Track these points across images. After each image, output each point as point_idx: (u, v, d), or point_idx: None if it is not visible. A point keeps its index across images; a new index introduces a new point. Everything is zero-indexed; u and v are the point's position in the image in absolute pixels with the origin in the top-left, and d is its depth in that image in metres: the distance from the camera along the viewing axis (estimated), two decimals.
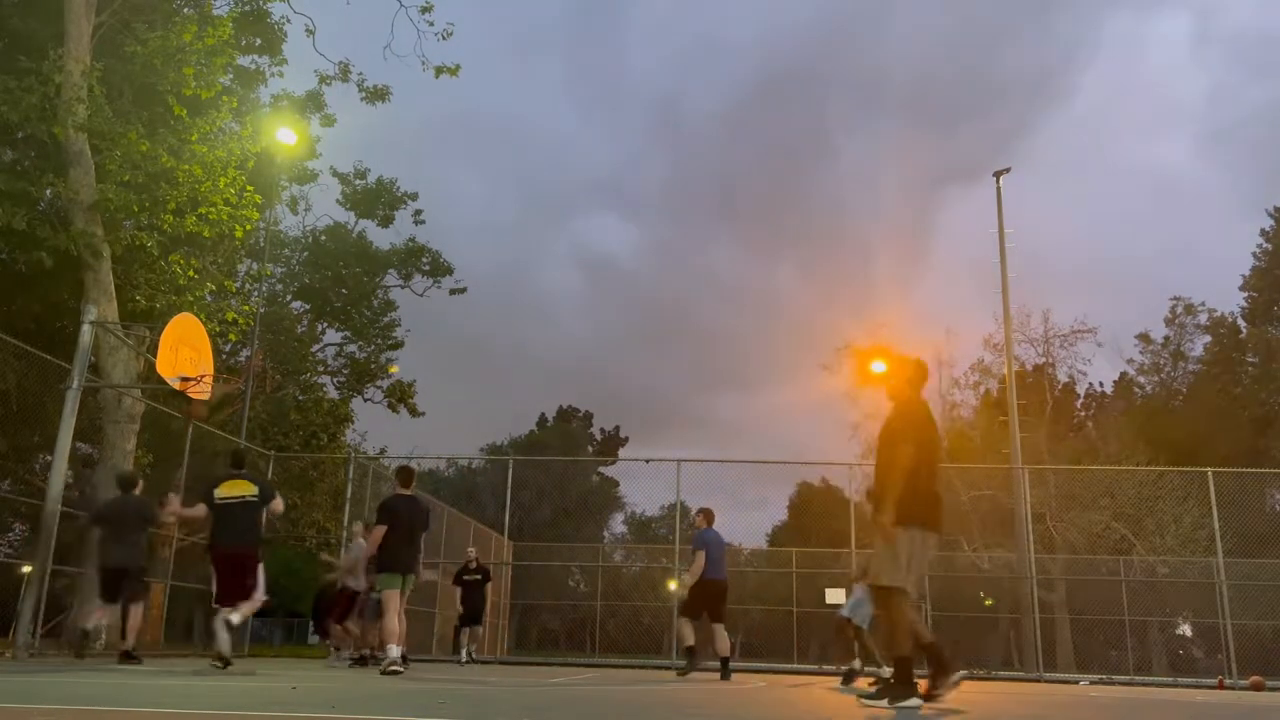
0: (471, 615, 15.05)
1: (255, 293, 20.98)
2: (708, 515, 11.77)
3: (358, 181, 28.48)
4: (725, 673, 10.86)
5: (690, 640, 11.18)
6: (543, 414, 61.01)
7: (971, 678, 13.38)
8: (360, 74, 18.90)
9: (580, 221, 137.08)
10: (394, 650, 8.44)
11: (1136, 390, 40.05)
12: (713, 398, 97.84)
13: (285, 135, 17.72)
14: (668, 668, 15.93)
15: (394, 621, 8.59)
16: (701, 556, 11.10)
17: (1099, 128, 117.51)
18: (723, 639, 11.06)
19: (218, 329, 15.30)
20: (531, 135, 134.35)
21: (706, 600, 11.14)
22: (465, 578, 15.21)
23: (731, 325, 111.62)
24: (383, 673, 8.27)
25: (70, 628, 12.25)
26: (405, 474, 9.43)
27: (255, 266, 22.68)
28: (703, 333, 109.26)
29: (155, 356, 11.10)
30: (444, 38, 18.17)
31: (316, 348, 28.21)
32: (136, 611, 9.87)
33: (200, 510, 8.68)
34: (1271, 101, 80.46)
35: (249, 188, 15.06)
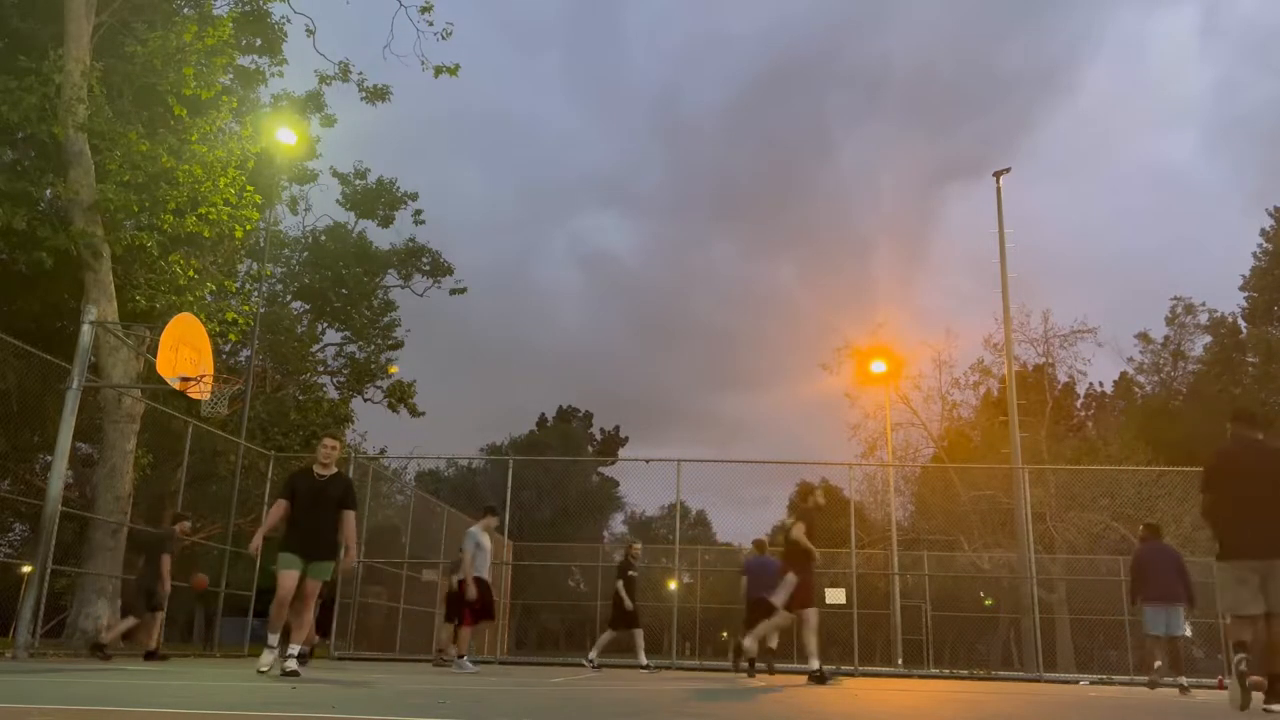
0: (635, 617, 13.44)
1: (255, 293, 20.98)
2: (756, 544, 13.63)
3: (358, 182, 28.46)
4: (770, 668, 12.92)
5: (752, 651, 12.71)
6: (543, 414, 61.07)
7: (971, 678, 13.39)
8: (360, 73, 18.92)
9: (580, 220, 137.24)
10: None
11: (1136, 390, 40.06)
12: (713, 397, 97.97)
13: (285, 135, 17.73)
14: (667, 667, 15.94)
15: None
16: (743, 581, 13.11)
17: (1103, 124, 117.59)
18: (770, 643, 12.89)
19: (218, 329, 15.29)
20: (532, 132, 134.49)
21: (751, 615, 12.71)
22: (631, 573, 13.51)
23: (732, 325, 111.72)
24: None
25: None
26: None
27: (255, 266, 22.68)
28: (703, 332, 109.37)
29: (155, 356, 11.10)
30: (444, 37, 18.19)
31: (316, 348, 28.19)
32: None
33: None
34: (1277, 96, 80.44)
35: (249, 188, 15.06)
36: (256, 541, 7.98)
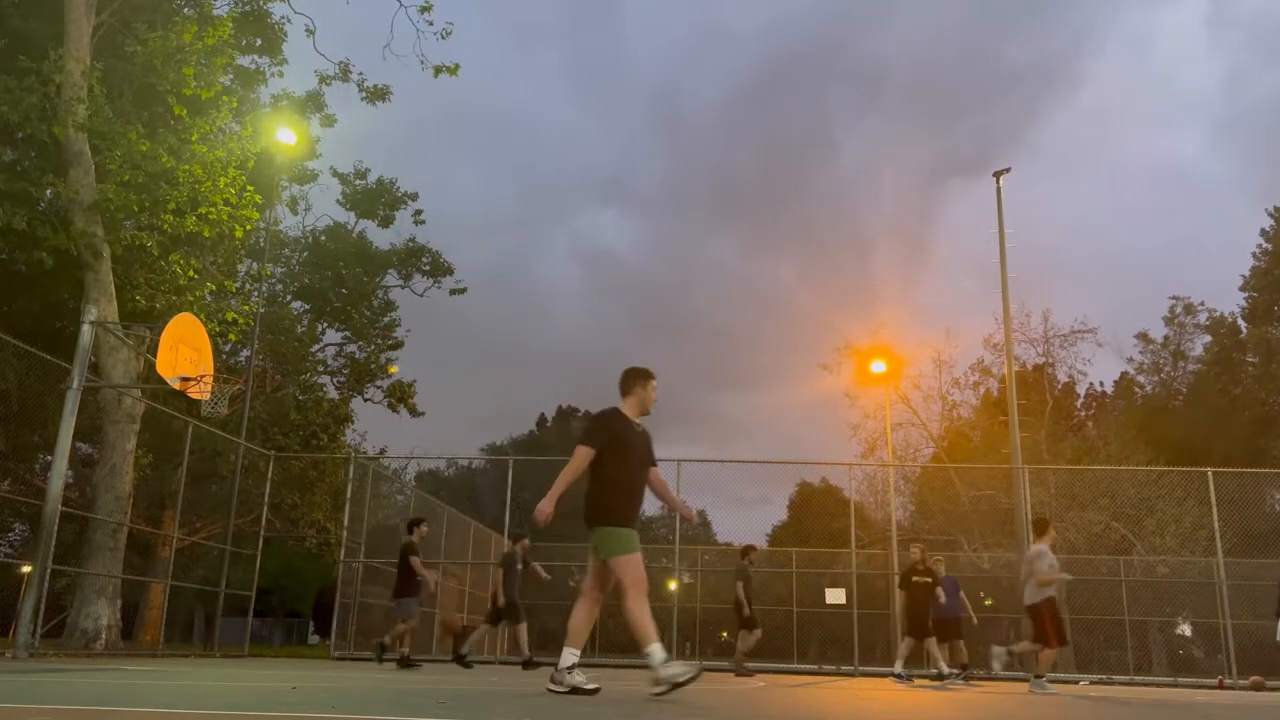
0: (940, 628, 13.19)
1: (255, 293, 20.98)
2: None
3: (358, 182, 28.46)
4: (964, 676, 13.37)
5: (940, 664, 13.31)
6: (542, 414, 61.13)
7: (972, 677, 13.40)
8: (361, 74, 18.92)
9: (581, 219, 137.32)
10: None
11: (1136, 390, 40.08)
12: (713, 397, 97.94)
13: (285, 135, 17.73)
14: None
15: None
16: (939, 594, 13.31)
17: (1107, 121, 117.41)
18: (959, 652, 13.74)
19: (218, 329, 15.29)
20: (531, 129, 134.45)
21: (942, 630, 13.48)
22: (915, 579, 13.06)
23: (732, 324, 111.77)
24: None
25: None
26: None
27: (255, 266, 22.68)
28: (703, 332, 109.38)
29: (155, 356, 11.10)
30: (443, 37, 18.18)
31: (316, 348, 28.20)
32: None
33: None
34: None
35: (249, 188, 15.06)
36: (548, 509, 5.59)
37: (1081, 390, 38.44)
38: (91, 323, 11.17)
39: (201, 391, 11.53)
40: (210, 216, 14.42)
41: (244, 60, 18.59)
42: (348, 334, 28.67)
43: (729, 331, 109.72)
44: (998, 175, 22.18)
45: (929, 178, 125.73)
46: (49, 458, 13.51)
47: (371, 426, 72.43)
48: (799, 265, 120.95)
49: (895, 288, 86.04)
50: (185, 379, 11.23)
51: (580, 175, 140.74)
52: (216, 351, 13.68)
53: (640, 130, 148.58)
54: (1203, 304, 38.77)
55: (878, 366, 26.57)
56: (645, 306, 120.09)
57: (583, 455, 5.67)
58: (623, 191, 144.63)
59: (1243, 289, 37.82)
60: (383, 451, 27.74)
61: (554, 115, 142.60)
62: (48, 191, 14.86)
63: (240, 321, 16.40)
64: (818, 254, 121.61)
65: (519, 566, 13.24)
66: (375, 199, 28.58)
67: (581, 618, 5.67)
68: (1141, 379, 40.31)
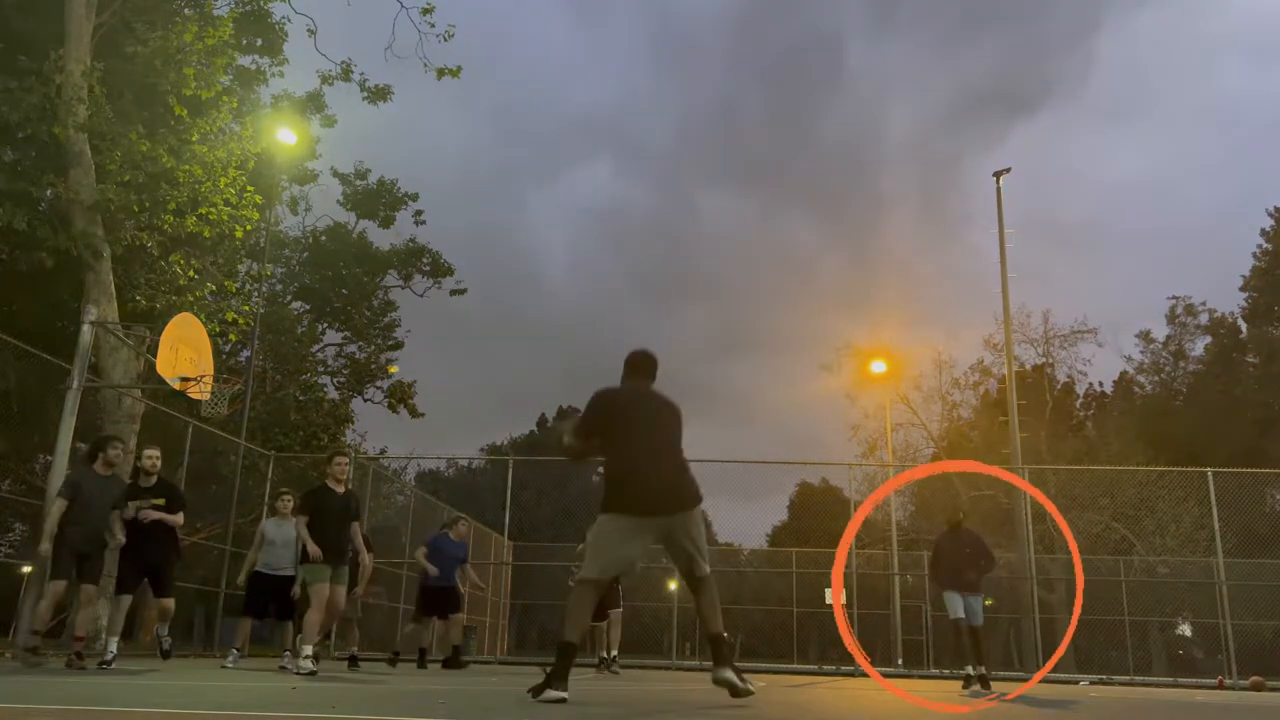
0: None
1: (255, 293, 20.98)
2: None
3: (358, 182, 28.45)
4: None
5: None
6: (543, 414, 61.10)
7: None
8: (362, 73, 18.91)
9: (580, 217, 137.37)
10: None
11: (1136, 390, 40.10)
12: (713, 396, 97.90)
13: (285, 135, 17.72)
14: (666, 667, 15.94)
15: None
16: None
17: (1107, 121, 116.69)
18: None
19: (218, 329, 15.28)
20: (527, 128, 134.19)
21: None
22: None
23: (732, 323, 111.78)
24: None
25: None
26: None
27: (255, 267, 22.67)
28: (702, 333, 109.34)
29: (155, 356, 11.10)
30: (445, 39, 18.16)
31: (316, 348, 28.19)
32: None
33: None
34: None
35: (249, 188, 15.05)
36: None
37: (1081, 390, 38.49)
38: (91, 323, 11.17)
39: (201, 392, 11.52)
40: (210, 217, 14.42)
41: (244, 60, 18.58)
42: (348, 334, 28.66)
43: (728, 333, 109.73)
44: (998, 175, 22.20)
45: (939, 171, 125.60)
46: (49, 458, 13.49)
47: (371, 427, 72.44)
48: (800, 264, 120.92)
49: (897, 286, 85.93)
50: (185, 379, 11.23)
51: (577, 184, 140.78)
52: (216, 351, 13.68)
53: (640, 131, 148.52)
54: (1204, 304, 38.82)
55: (878, 366, 26.60)
56: (645, 306, 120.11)
57: None
58: (624, 192, 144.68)
59: (1243, 289, 37.83)
60: (383, 452, 27.76)
61: (556, 126, 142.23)
62: (48, 192, 14.86)
63: (240, 321, 16.39)
64: (820, 253, 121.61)
65: None
66: (376, 199, 28.56)
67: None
68: (1142, 379, 40.35)
